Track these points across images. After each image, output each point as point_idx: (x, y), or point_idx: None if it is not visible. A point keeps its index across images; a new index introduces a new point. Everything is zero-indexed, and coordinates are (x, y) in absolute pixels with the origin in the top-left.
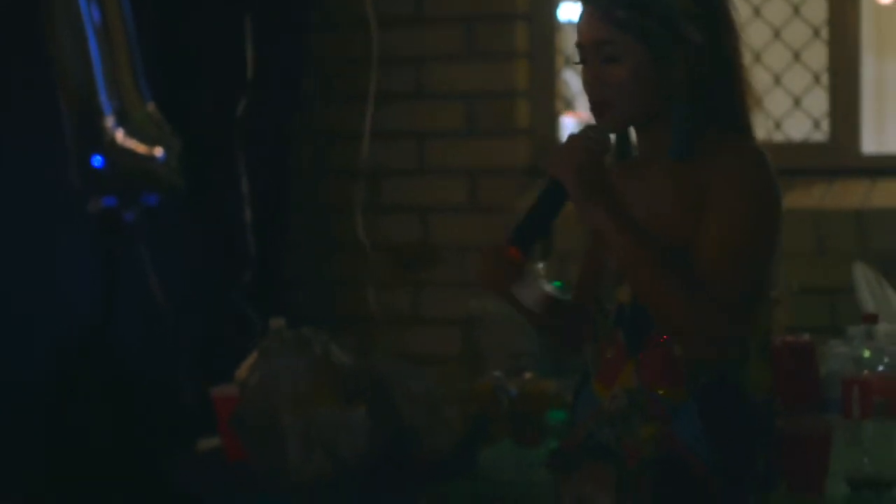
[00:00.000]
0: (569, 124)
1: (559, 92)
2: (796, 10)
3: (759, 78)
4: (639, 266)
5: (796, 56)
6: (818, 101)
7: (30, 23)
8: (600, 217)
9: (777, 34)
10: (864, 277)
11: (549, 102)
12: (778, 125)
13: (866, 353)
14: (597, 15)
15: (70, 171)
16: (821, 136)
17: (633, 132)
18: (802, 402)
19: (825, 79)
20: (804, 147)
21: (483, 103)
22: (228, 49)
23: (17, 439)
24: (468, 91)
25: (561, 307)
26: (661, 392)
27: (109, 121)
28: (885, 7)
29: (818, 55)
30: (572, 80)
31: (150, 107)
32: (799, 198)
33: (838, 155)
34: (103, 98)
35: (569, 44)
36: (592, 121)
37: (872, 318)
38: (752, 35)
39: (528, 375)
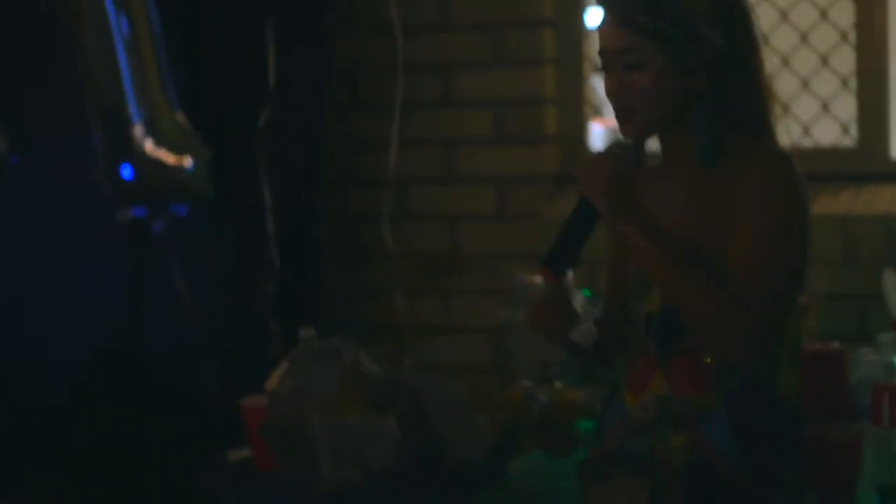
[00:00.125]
0: (597, 131)
1: (587, 98)
2: (824, 15)
3: (786, 83)
4: (672, 277)
5: (824, 60)
6: (846, 106)
7: (60, 32)
8: (632, 232)
9: (804, 38)
10: (893, 284)
11: (577, 109)
12: (806, 130)
13: None
14: (619, 21)
15: (99, 180)
16: (849, 141)
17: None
18: (832, 410)
19: (853, 83)
20: (832, 152)
21: (511, 110)
22: (251, 58)
23: (44, 449)
24: (496, 98)
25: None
26: (691, 399)
27: (138, 131)
28: None
29: (846, 60)
30: (600, 86)
31: (179, 116)
32: (827, 204)
33: (867, 160)
34: (132, 108)
35: (596, 50)
36: (619, 130)
37: None
38: (780, 39)
39: (557, 385)
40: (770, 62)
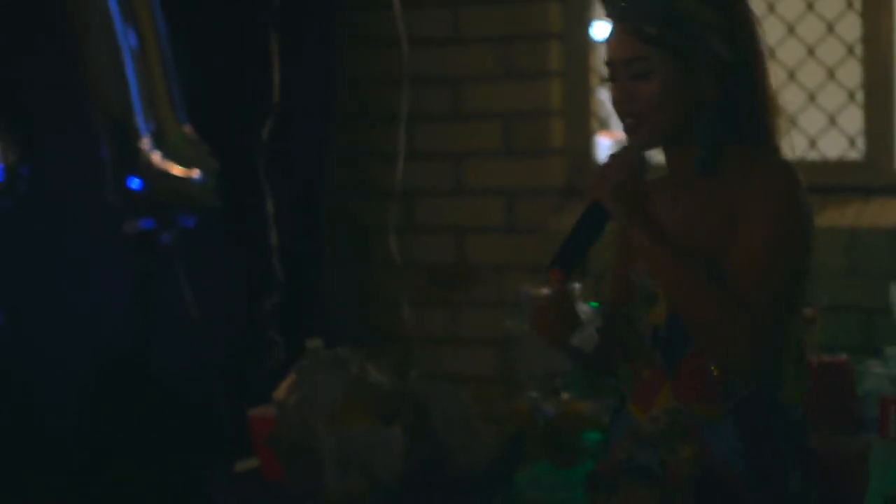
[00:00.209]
0: (604, 143)
1: (594, 111)
2: (830, 28)
3: (793, 96)
4: (679, 282)
5: (831, 74)
6: (853, 119)
7: (69, 46)
8: (640, 236)
9: (811, 52)
10: None
11: (584, 121)
12: (813, 143)
13: None
14: (627, 31)
15: (108, 192)
16: (856, 154)
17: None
18: (838, 422)
19: (860, 96)
20: (839, 165)
21: (518, 123)
22: (254, 69)
23: (53, 459)
24: (504, 111)
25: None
26: (697, 410)
27: (146, 143)
28: None
29: (853, 73)
30: (607, 99)
31: (187, 128)
32: (834, 216)
33: (874, 173)
34: (140, 120)
35: (603, 62)
36: (626, 140)
37: None
38: (787, 53)
39: (564, 396)
40: (777, 75)
